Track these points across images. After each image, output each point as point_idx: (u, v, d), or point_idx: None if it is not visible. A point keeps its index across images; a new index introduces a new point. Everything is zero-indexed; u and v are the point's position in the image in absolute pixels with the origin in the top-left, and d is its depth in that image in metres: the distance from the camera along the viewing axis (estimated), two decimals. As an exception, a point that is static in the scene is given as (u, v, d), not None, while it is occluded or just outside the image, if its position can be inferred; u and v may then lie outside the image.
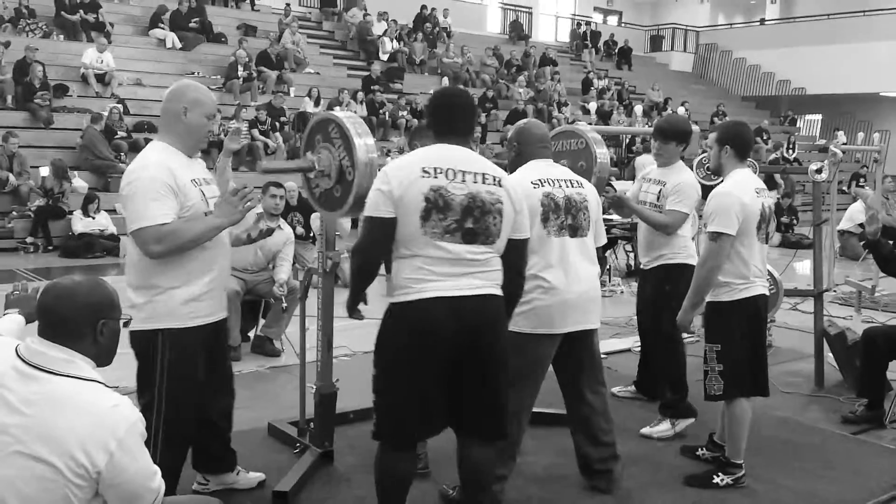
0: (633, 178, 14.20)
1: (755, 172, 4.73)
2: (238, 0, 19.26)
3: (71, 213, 11.02)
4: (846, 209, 11.98)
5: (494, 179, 2.92)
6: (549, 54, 22.48)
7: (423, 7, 21.35)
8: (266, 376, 5.52)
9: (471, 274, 2.84)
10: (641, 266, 4.81)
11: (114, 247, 10.74)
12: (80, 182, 11.76)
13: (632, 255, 9.92)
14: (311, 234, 8.53)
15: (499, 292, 2.92)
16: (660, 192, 4.52)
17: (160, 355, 3.06)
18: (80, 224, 10.81)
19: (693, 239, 4.80)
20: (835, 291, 8.09)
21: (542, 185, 3.53)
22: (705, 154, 5.90)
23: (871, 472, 4.07)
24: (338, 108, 14.66)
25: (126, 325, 2.32)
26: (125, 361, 2.76)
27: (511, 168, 3.65)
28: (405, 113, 16.33)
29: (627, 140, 18.11)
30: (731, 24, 30.19)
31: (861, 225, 10.10)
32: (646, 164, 13.15)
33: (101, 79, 14.07)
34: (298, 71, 17.24)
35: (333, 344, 4.02)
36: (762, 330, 3.94)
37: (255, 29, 18.03)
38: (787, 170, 12.60)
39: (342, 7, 20.42)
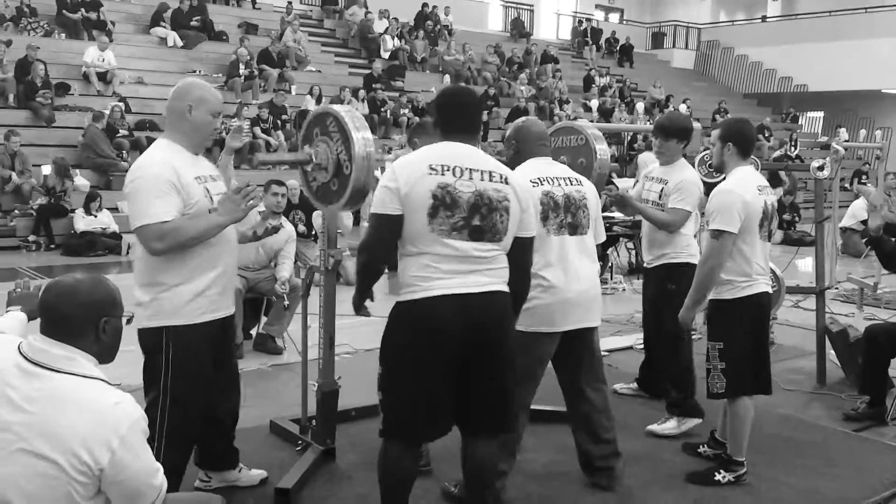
0: (635, 175, 14.22)
1: (757, 170, 4.72)
2: (239, -2, 19.30)
3: (73, 211, 11.03)
4: (848, 206, 11.96)
5: (501, 177, 2.92)
6: (551, 52, 22.47)
7: (425, 5, 21.34)
8: (268, 374, 5.53)
9: (478, 271, 2.84)
10: (644, 265, 4.80)
11: (116, 245, 10.76)
12: (81, 180, 11.77)
13: (633, 252, 9.91)
14: (313, 232, 8.53)
15: (506, 289, 2.92)
16: (662, 190, 4.51)
17: (165, 353, 3.07)
18: (82, 222, 10.82)
19: (695, 237, 4.80)
20: (837, 289, 8.09)
21: (542, 184, 3.53)
22: (707, 151, 5.90)
23: (873, 469, 4.07)
24: (337, 104, 14.63)
25: (129, 322, 2.32)
26: (128, 359, 2.76)
27: (510, 166, 3.65)
28: (406, 111, 16.32)
29: (629, 138, 18.10)
30: (732, 21, 30.16)
31: (863, 222, 10.10)
32: (648, 161, 13.15)
33: (103, 77, 14.08)
34: (300, 69, 17.24)
35: (335, 341, 4.02)
36: (765, 328, 3.94)
37: (256, 27, 18.03)
38: (789, 167, 12.58)
39: (343, 5, 20.41)
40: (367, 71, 17.60)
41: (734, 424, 3.81)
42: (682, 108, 20.69)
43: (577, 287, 3.57)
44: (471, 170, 2.87)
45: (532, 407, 3.80)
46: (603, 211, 8.71)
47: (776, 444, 4.32)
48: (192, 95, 3.18)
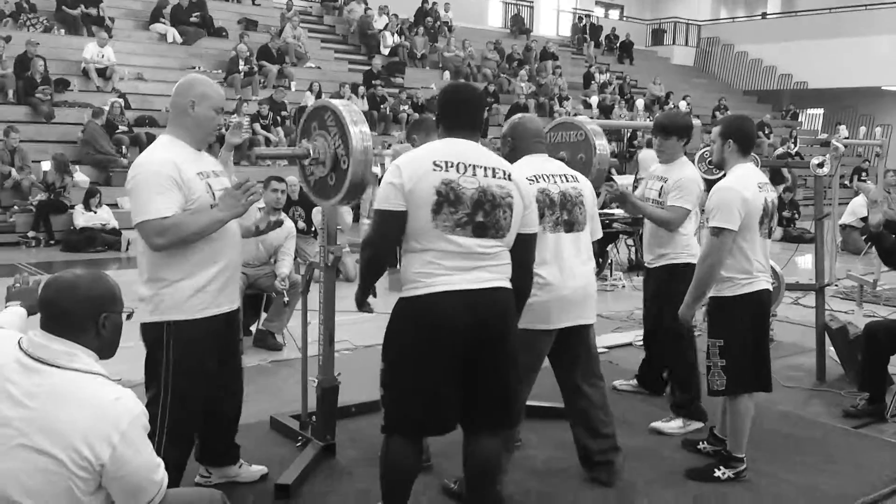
0: (635, 172, 14.22)
1: (758, 167, 4.71)
2: (239, -6, 19.28)
3: (72, 207, 11.02)
4: (848, 203, 11.96)
5: (504, 174, 2.92)
6: (551, 48, 22.45)
7: (424, 1, 21.34)
8: (268, 370, 5.53)
9: (481, 267, 2.85)
10: (646, 264, 4.79)
11: (115, 241, 10.75)
12: (81, 176, 11.76)
13: (633, 249, 9.91)
14: (313, 229, 8.52)
15: (508, 285, 2.93)
16: (661, 188, 4.49)
17: (166, 348, 3.08)
18: (82, 218, 10.81)
19: (695, 234, 4.79)
20: (836, 286, 8.09)
21: (538, 181, 3.53)
22: (707, 148, 5.89)
23: (873, 465, 4.08)
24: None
25: (129, 317, 2.32)
26: (128, 355, 2.76)
27: None
28: (406, 107, 16.31)
29: (629, 134, 18.10)
30: (732, 18, 30.14)
31: (863, 219, 10.09)
32: (648, 159, 13.17)
33: (103, 73, 14.07)
34: (299, 65, 17.23)
35: (335, 338, 4.02)
36: (765, 325, 3.93)
37: (255, 23, 18.01)
38: (788, 164, 12.59)
39: (343, 1, 20.38)
40: (367, 67, 17.59)
41: (734, 421, 3.82)
42: (682, 104, 20.71)
43: (573, 284, 3.57)
44: (474, 166, 2.87)
45: (531, 403, 3.80)
46: (603, 207, 8.72)
47: (776, 441, 4.32)
48: (195, 91, 3.18)
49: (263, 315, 6.19)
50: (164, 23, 16.36)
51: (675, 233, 4.46)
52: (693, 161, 5.35)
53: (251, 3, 19.42)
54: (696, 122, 5.29)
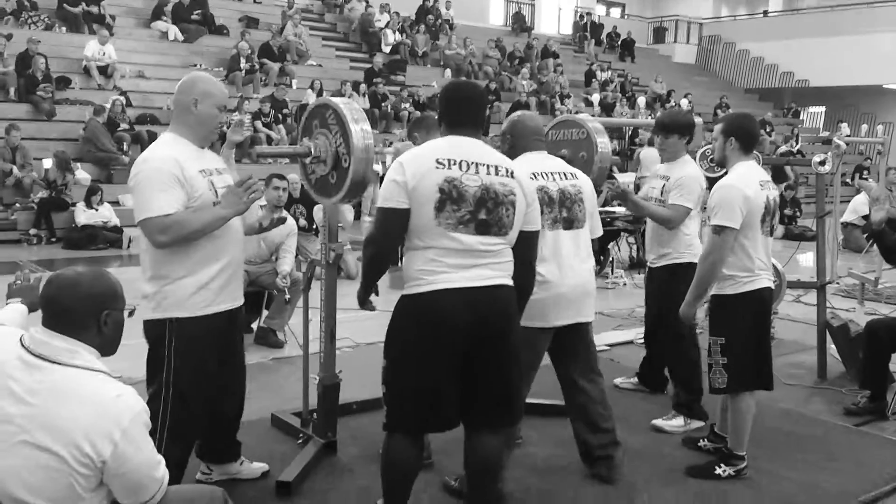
0: (637, 170, 14.20)
1: (759, 164, 4.70)
2: (240, -8, 19.27)
3: (74, 204, 11.02)
4: (849, 201, 11.96)
5: (507, 171, 2.92)
6: (552, 46, 22.44)
7: (426, -1, 21.34)
8: (269, 367, 5.53)
9: (482, 265, 2.85)
10: (648, 263, 4.78)
11: (117, 238, 10.76)
12: (83, 174, 11.77)
13: (634, 247, 9.91)
14: (314, 226, 8.53)
15: (510, 282, 2.93)
16: (663, 186, 4.49)
17: (168, 345, 3.08)
18: (84, 216, 10.81)
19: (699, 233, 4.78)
20: (838, 283, 8.09)
21: (536, 179, 3.52)
22: (709, 146, 5.89)
23: (874, 463, 4.08)
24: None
25: (130, 315, 2.32)
26: (129, 352, 2.76)
27: None
28: (407, 105, 16.31)
29: (630, 132, 18.09)
30: (734, 16, 30.13)
31: (864, 217, 10.09)
32: (649, 157, 13.16)
33: (104, 71, 14.07)
34: (301, 63, 17.22)
35: (336, 335, 4.02)
36: (767, 323, 3.93)
37: (257, 21, 18.01)
38: (790, 161, 12.58)
39: (344, -1, 20.42)
40: (368, 65, 17.59)
41: (735, 419, 3.81)
42: (684, 102, 20.69)
43: (572, 282, 3.58)
44: (477, 164, 2.87)
45: (531, 401, 3.80)
46: (604, 205, 8.68)
47: (777, 439, 4.32)
48: (198, 89, 3.19)
49: (265, 312, 6.19)
50: (165, 20, 16.36)
51: (678, 232, 4.44)
52: (695, 159, 5.34)
53: (252, 1, 19.43)
54: (697, 120, 5.28)
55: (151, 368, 3.14)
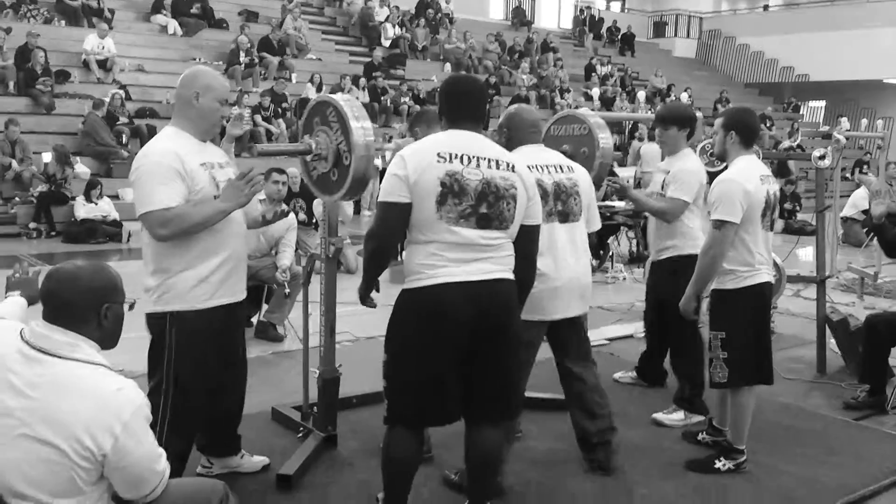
0: (637, 164, 14.21)
1: (759, 159, 4.69)
2: (240, -14, 19.21)
3: (73, 198, 11.03)
4: (849, 196, 11.96)
5: (508, 165, 2.92)
6: (552, 40, 22.41)
7: (426, -7, 21.30)
8: (269, 361, 5.53)
9: (483, 259, 2.85)
10: (651, 258, 4.77)
11: (116, 233, 10.76)
12: (82, 168, 11.76)
13: (634, 241, 9.91)
14: (314, 220, 8.52)
15: (511, 276, 2.93)
16: (664, 180, 4.49)
17: (169, 338, 3.09)
18: (83, 210, 10.81)
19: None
20: (837, 278, 8.09)
21: (532, 172, 3.51)
22: (709, 140, 5.88)
23: (873, 457, 4.08)
24: (339, 94, 14.60)
25: (130, 308, 2.32)
26: (129, 345, 2.76)
27: None
28: (407, 99, 16.29)
29: (630, 126, 18.08)
30: (734, 11, 30.10)
31: (864, 212, 10.09)
32: (650, 152, 13.15)
33: (103, 65, 14.06)
34: (300, 57, 17.20)
35: (336, 329, 4.02)
36: (767, 317, 3.93)
37: (256, 15, 17.98)
38: (790, 156, 12.57)
39: (344, -7, 20.38)
40: (368, 59, 17.57)
41: (735, 413, 3.82)
42: (684, 97, 20.68)
43: (567, 275, 3.59)
44: (478, 158, 2.87)
45: (532, 395, 3.80)
46: (604, 199, 8.67)
47: (776, 433, 4.33)
48: (199, 83, 3.19)
49: (265, 306, 6.19)
50: (164, 14, 16.35)
51: (682, 225, 4.41)
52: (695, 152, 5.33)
53: (252, -5, 19.39)
54: (697, 114, 5.28)
55: (153, 361, 3.15)
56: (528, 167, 3.46)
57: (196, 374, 3.14)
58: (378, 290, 3.16)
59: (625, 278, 8.81)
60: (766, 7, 29.08)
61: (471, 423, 3.01)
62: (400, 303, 2.91)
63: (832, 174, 7.20)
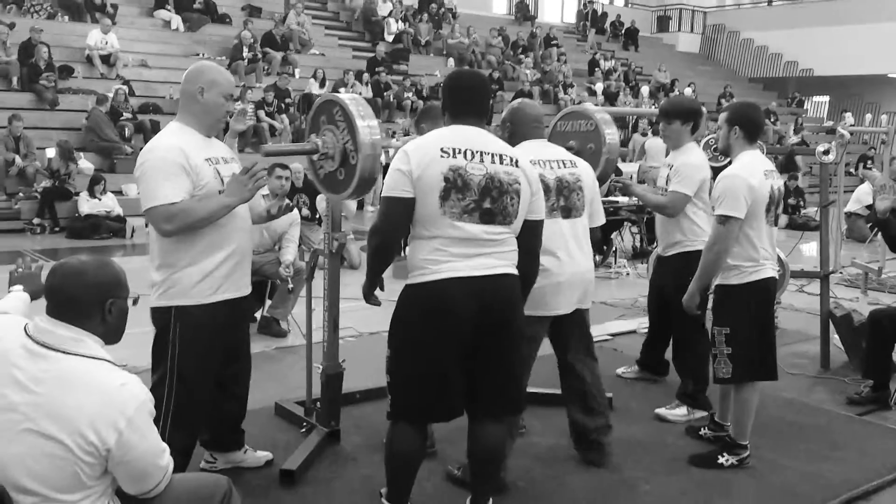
0: (641, 159, 14.19)
1: (763, 154, 4.68)
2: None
3: (77, 194, 11.04)
4: (853, 191, 11.94)
5: (512, 160, 2.92)
6: (556, 35, 22.36)
7: (429, -12, 21.27)
8: (273, 357, 5.54)
9: (487, 254, 2.85)
10: (659, 253, 4.75)
11: (120, 228, 10.77)
12: (86, 163, 11.78)
13: (638, 236, 9.90)
14: (317, 216, 8.53)
15: (514, 271, 2.93)
16: (668, 175, 4.48)
17: (173, 332, 3.09)
18: (87, 205, 10.82)
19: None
20: (841, 273, 8.08)
21: (534, 167, 3.51)
22: (713, 135, 5.87)
23: (877, 453, 4.08)
24: (343, 89, 14.61)
25: (134, 303, 2.32)
26: (133, 340, 2.77)
27: None
28: (410, 94, 16.29)
29: (633, 121, 18.06)
30: (738, 5, 30.00)
31: (868, 207, 10.07)
32: (654, 147, 13.12)
33: (106, 60, 14.06)
34: (303, 52, 17.19)
35: (339, 324, 4.02)
36: (770, 313, 3.91)
37: (259, 10, 17.98)
38: (794, 151, 12.56)
39: (347, -12, 20.35)
40: (371, 54, 17.56)
41: (739, 409, 3.81)
42: (688, 91, 20.63)
43: (570, 270, 3.58)
44: (482, 153, 2.87)
45: (535, 390, 3.80)
46: (607, 195, 8.68)
47: (780, 428, 4.33)
48: (204, 78, 3.19)
49: (268, 302, 6.20)
50: (168, 9, 16.33)
51: (687, 219, 4.40)
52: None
53: (255, -10, 19.38)
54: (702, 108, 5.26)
55: (156, 356, 3.17)
56: (531, 162, 3.47)
57: (200, 369, 3.15)
58: (382, 289, 3.16)
59: (628, 273, 8.81)
60: (770, 1, 28.99)
61: (474, 418, 3.02)
62: (403, 298, 2.91)
63: (836, 169, 7.19)
